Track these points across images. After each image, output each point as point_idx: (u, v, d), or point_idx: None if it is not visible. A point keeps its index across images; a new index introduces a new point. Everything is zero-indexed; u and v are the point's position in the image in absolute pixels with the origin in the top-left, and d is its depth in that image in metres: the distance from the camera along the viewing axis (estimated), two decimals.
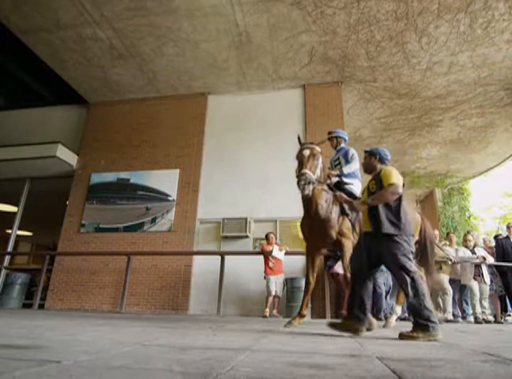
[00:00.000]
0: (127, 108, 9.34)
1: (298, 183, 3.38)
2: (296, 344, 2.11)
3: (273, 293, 6.06)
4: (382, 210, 2.84)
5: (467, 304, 6.01)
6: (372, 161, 3.18)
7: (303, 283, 6.24)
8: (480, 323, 5.59)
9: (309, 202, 3.66)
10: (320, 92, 8.49)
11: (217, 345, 1.94)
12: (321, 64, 7.96)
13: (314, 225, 3.71)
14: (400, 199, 2.86)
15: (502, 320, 6.26)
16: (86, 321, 3.77)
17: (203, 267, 7.27)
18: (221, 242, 7.57)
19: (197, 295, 7.13)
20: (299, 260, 7.10)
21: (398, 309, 4.18)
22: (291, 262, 6.76)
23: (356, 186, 4.12)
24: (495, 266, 6.33)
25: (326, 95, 8.46)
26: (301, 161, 3.53)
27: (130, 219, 7.96)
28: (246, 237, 7.40)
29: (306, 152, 3.53)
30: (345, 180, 4.01)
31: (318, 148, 3.60)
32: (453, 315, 5.72)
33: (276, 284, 6.13)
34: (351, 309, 2.85)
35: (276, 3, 6.44)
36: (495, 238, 6.91)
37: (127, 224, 7.94)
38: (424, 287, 2.65)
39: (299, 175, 3.40)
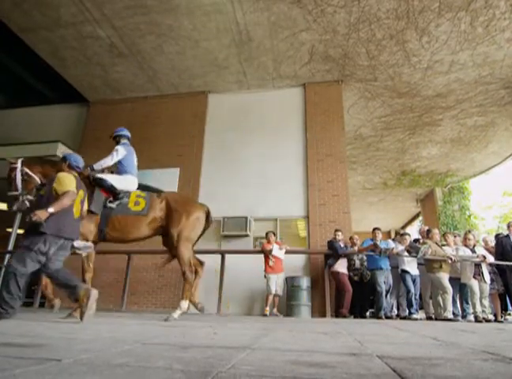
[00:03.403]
0: (127, 106, 9.33)
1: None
2: (296, 343, 2.11)
3: (273, 291, 6.06)
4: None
5: (467, 303, 6.00)
6: (62, 166, 3.48)
7: (303, 281, 6.26)
8: (480, 322, 5.59)
9: None
10: (320, 91, 8.48)
11: (218, 343, 1.94)
12: (321, 63, 7.94)
13: None
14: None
15: (503, 319, 6.26)
16: (86, 320, 3.77)
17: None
18: (221, 240, 7.57)
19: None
20: (300, 259, 7.11)
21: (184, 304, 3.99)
22: (292, 261, 6.76)
23: (126, 180, 4.29)
24: (495, 265, 6.33)
25: (327, 93, 8.45)
26: None
27: None
28: (247, 236, 7.40)
29: (7, 175, 3.89)
30: (97, 175, 4.13)
31: (12, 166, 3.86)
32: (454, 314, 5.72)
33: (277, 283, 6.13)
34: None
35: (277, 1, 6.43)
36: (496, 236, 6.91)
37: None
38: (14, 284, 2.99)
39: None
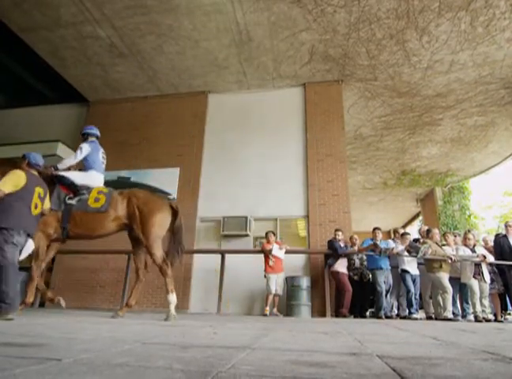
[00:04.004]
0: (128, 106, 9.34)
1: None
2: (297, 342, 2.11)
3: (273, 291, 6.06)
4: None
5: (467, 303, 6.00)
6: (22, 164, 3.64)
7: (303, 281, 6.26)
8: (480, 321, 5.59)
9: None
10: (320, 91, 8.48)
11: (218, 343, 1.94)
12: (321, 62, 7.94)
13: None
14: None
15: (502, 318, 6.26)
16: (86, 319, 3.78)
17: (203, 265, 7.28)
18: (221, 240, 7.57)
19: (197, 294, 7.14)
20: (300, 259, 7.11)
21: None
22: (292, 260, 6.76)
23: (89, 177, 4.37)
24: (495, 264, 6.33)
25: (327, 93, 8.45)
26: None
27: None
28: (247, 235, 7.41)
29: None
30: (58, 173, 4.26)
31: None
32: (454, 313, 5.72)
33: (277, 283, 6.13)
34: None
35: (277, 1, 6.42)
36: (495, 236, 6.91)
37: None
38: (8, 275, 3.08)
39: None
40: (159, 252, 4.10)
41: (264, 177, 7.88)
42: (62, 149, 8.34)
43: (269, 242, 6.39)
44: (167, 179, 8.22)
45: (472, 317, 5.83)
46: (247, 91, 8.90)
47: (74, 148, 8.85)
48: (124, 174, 8.49)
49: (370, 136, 11.00)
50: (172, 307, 3.95)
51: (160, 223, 4.21)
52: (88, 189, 4.21)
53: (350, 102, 9.15)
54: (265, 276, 6.26)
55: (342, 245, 6.39)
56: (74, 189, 4.13)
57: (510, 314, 7.11)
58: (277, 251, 6.27)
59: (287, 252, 6.44)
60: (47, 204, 3.79)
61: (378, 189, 14.88)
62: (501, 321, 6.00)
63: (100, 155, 4.61)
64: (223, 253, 6.72)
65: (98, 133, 4.78)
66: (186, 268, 7.35)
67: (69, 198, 4.07)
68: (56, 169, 4.29)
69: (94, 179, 4.40)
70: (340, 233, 6.48)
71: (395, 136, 10.98)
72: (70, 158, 4.39)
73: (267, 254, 6.26)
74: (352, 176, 13.07)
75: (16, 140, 8.66)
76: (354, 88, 8.72)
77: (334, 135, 8.05)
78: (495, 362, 1.44)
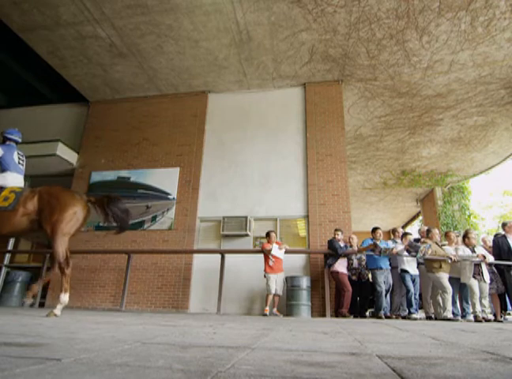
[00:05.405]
0: (127, 106, 9.34)
1: None
2: (296, 342, 2.11)
3: (273, 291, 6.06)
4: None
5: (467, 303, 6.01)
6: None
7: (303, 281, 6.26)
8: (480, 321, 5.59)
9: None
10: (320, 91, 8.48)
11: (217, 343, 1.94)
12: (321, 62, 7.94)
13: None
14: None
15: (502, 318, 6.26)
16: (86, 319, 3.78)
17: (203, 265, 7.28)
18: (221, 240, 7.58)
19: (197, 294, 7.15)
20: (300, 259, 7.11)
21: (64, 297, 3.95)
22: (292, 260, 6.77)
23: (4, 177, 4.41)
24: (495, 265, 6.33)
25: (327, 93, 8.45)
26: None
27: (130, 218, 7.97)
28: (247, 235, 7.41)
29: None
30: None
31: None
32: (453, 313, 5.72)
33: (277, 282, 6.13)
34: None
35: (277, 1, 6.42)
36: (494, 236, 6.91)
37: None
38: None
39: None
40: (62, 249, 4.01)
41: (264, 177, 7.89)
42: (61, 149, 8.36)
43: (270, 241, 6.39)
44: (167, 179, 8.22)
45: (471, 317, 5.83)
46: (247, 91, 8.90)
47: (74, 147, 8.90)
48: (124, 174, 8.49)
49: (370, 136, 11.00)
50: (60, 307, 3.86)
51: (71, 220, 4.12)
52: (1, 189, 4.23)
53: (350, 102, 9.15)
54: (264, 276, 6.26)
55: (342, 244, 6.39)
56: None
57: (509, 314, 7.11)
58: (277, 251, 6.26)
59: (287, 252, 6.44)
60: None
61: (378, 189, 14.88)
62: (501, 321, 6.00)
63: (15, 157, 4.63)
64: (223, 253, 6.72)
65: (18, 138, 4.78)
66: (186, 268, 7.36)
67: None
68: None
69: (9, 180, 4.44)
70: (339, 233, 6.48)
71: (395, 136, 10.98)
72: None
73: (267, 254, 6.26)
74: (352, 176, 13.08)
75: None
76: (354, 88, 8.72)
77: (334, 135, 8.05)
78: (494, 362, 1.44)
